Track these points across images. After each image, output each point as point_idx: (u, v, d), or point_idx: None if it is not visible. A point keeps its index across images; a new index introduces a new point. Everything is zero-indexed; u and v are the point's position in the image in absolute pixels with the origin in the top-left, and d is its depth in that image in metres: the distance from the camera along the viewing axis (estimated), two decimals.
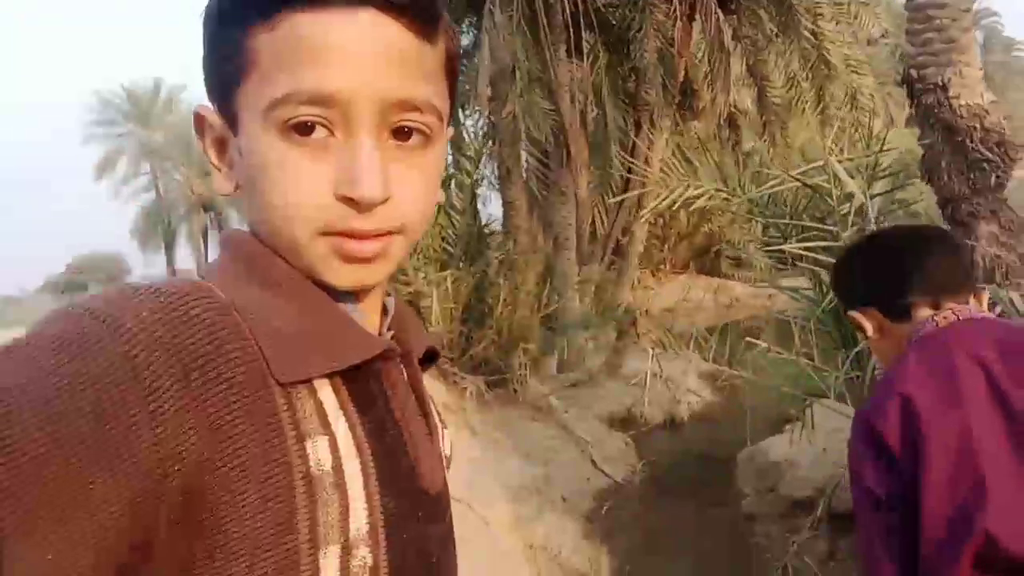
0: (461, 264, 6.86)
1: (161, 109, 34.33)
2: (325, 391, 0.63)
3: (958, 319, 1.33)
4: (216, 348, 0.57)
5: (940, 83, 3.77)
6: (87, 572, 0.49)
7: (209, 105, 0.68)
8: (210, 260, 0.70)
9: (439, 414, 0.80)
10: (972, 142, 3.68)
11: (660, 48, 10.48)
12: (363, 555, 0.61)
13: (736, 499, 5.78)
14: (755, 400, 4.93)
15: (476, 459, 5.31)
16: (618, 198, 9.90)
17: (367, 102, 0.61)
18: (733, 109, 13.50)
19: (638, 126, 10.71)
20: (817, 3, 10.41)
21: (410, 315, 0.79)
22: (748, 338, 4.51)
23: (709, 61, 12.54)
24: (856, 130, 11.33)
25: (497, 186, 10.66)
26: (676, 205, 4.60)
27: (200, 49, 0.67)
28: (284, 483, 0.57)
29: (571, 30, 9.13)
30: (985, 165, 3.68)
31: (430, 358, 0.80)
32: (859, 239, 1.67)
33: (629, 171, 10.54)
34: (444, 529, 0.72)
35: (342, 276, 0.65)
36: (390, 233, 0.64)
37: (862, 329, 1.46)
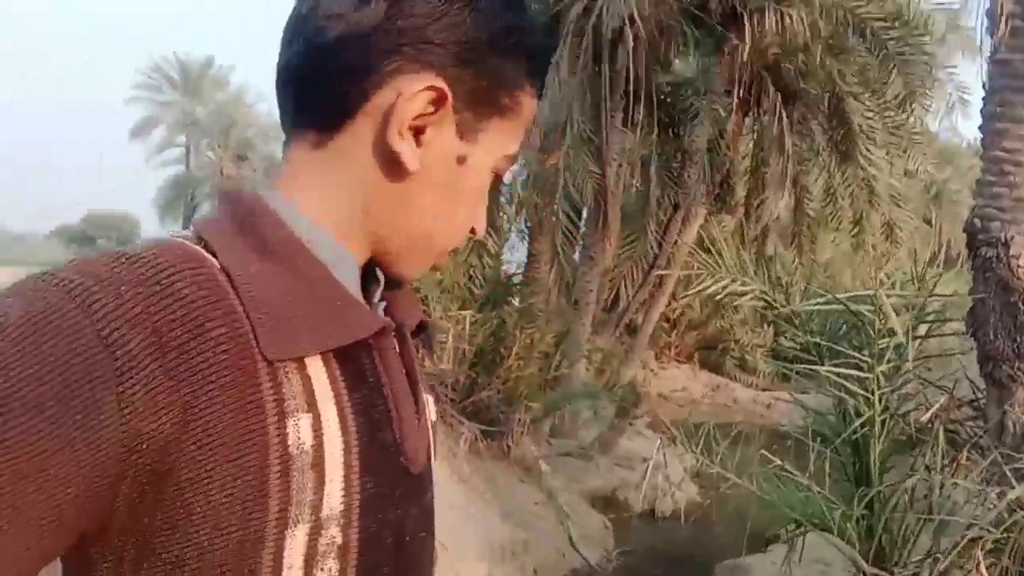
0: (484, 307, 6.77)
1: (210, 84, 34.23)
2: (315, 366, 0.62)
3: None
4: (197, 327, 0.56)
5: (1003, 239, 3.76)
6: (47, 545, 0.53)
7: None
8: (209, 216, 0.67)
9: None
10: None
11: (711, 136, 10.57)
12: (332, 534, 0.61)
13: None
14: (744, 511, 4.82)
15: (460, 507, 5.19)
16: (660, 271, 9.87)
17: None
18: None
19: (675, 207, 10.75)
20: (872, 128, 10.51)
21: (404, 287, 0.80)
22: (763, 451, 4.41)
23: (753, 159, 12.68)
24: (887, 260, 11.38)
25: (524, 236, 10.68)
26: (720, 296, 4.58)
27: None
28: (256, 462, 0.57)
29: (630, 100, 9.22)
30: None
31: (422, 330, 0.81)
32: None
33: (659, 248, 10.56)
34: (424, 507, 0.72)
35: (417, 274, 0.76)
36: None
37: None
